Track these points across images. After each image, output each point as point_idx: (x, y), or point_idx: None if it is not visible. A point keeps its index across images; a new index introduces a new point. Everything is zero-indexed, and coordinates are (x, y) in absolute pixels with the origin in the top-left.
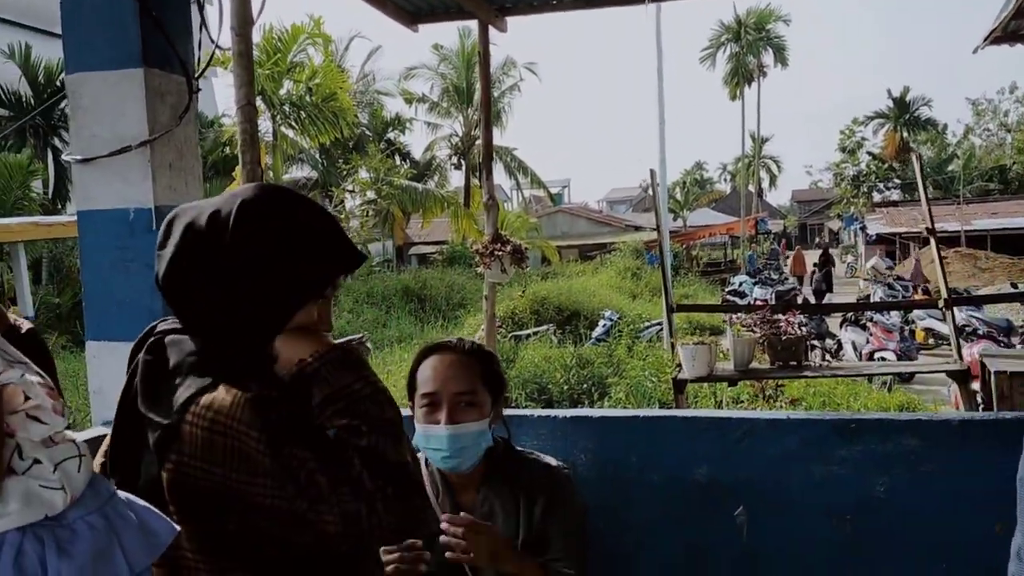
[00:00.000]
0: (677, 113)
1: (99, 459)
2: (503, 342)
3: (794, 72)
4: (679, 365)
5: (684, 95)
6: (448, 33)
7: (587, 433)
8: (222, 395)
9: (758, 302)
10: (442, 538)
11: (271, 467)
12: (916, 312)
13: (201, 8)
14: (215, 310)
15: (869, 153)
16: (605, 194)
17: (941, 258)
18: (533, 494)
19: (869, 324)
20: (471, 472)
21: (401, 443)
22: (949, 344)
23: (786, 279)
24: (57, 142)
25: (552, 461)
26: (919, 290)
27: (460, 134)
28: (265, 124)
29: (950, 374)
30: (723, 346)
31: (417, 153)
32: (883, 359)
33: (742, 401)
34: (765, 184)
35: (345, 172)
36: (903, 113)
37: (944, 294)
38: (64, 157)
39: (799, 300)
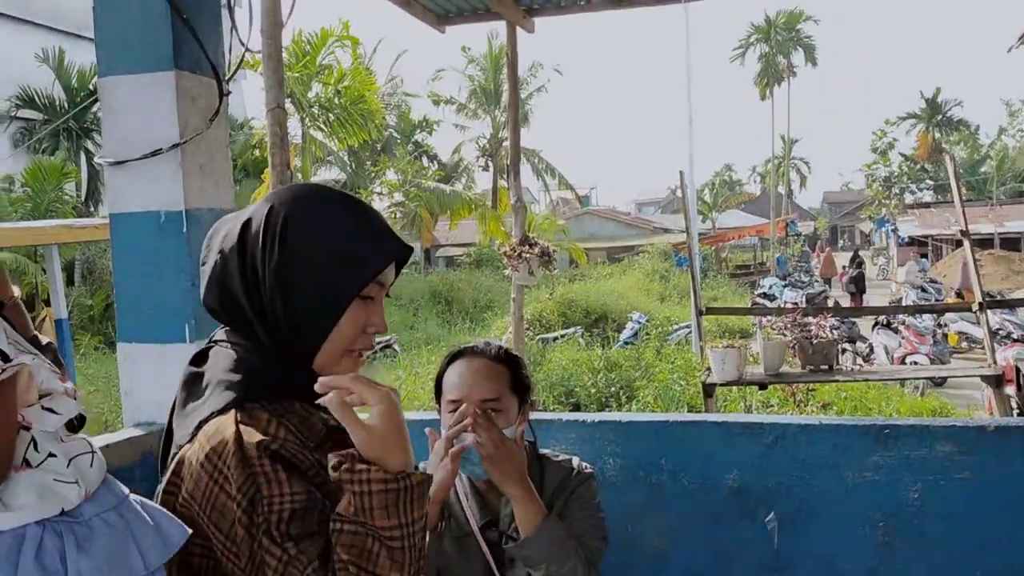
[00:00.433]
0: (705, 115)
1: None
2: (531, 344)
3: (824, 72)
4: (708, 369)
5: (713, 97)
6: (476, 35)
7: (615, 437)
8: (225, 424)
9: (788, 305)
10: (450, 430)
11: (242, 537)
12: (948, 315)
13: (231, 11)
14: (255, 322)
15: (901, 154)
16: (633, 197)
17: (975, 260)
18: (558, 494)
19: (901, 327)
20: None
21: None
22: (982, 348)
23: (816, 281)
24: (90, 145)
25: (575, 461)
26: (956, 294)
27: (488, 136)
28: (294, 126)
29: (984, 378)
30: (753, 350)
31: (445, 155)
32: (915, 363)
33: (772, 405)
34: (795, 185)
35: (373, 174)
36: (935, 114)
37: (978, 297)
38: (96, 160)
39: (829, 303)
